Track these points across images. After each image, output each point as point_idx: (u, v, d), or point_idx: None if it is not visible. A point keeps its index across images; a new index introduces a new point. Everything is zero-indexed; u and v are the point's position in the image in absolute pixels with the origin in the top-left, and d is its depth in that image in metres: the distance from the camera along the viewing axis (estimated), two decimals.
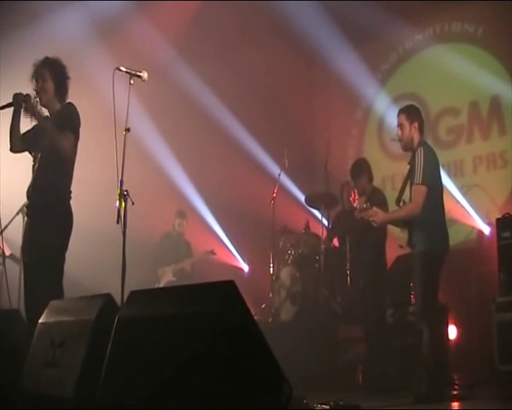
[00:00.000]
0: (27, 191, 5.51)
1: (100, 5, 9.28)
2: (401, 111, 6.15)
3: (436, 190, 5.90)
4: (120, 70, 5.47)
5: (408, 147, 6.07)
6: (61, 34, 8.87)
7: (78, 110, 5.57)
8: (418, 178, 5.77)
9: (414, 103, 6.49)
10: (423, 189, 5.75)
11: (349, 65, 10.58)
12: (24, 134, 5.60)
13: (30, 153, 5.66)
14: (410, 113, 6.10)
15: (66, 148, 5.35)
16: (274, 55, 10.50)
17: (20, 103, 5.39)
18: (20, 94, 5.38)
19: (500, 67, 9.12)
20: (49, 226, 5.28)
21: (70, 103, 5.55)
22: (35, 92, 5.48)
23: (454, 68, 9.37)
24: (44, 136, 5.40)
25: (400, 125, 6.07)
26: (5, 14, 8.49)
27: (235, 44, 10.38)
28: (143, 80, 5.58)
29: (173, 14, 9.92)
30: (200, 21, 10.04)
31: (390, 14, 9.63)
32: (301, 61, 10.87)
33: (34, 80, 5.53)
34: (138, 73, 5.55)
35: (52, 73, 5.52)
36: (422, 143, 6.01)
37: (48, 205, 5.34)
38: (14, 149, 5.61)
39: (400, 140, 6.11)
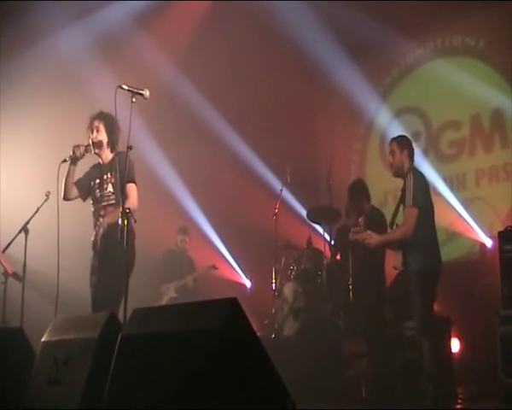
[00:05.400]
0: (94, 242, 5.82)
1: (102, 24, 9.34)
2: (393, 140, 6.47)
3: (427, 211, 6.09)
4: (122, 88, 5.48)
5: (399, 172, 6.32)
6: (64, 53, 8.92)
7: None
8: (409, 200, 5.99)
9: (406, 134, 6.79)
10: (415, 211, 5.96)
11: (351, 80, 10.58)
12: (75, 182, 6.10)
13: (82, 198, 6.14)
14: (401, 142, 6.41)
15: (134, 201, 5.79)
16: (277, 72, 10.51)
17: (79, 156, 5.96)
18: (81, 146, 5.93)
19: (501, 79, 9.11)
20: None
21: (122, 152, 5.87)
22: (90, 142, 6.00)
23: (455, 82, 9.37)
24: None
25: (392, 153, 6.36)
26: (9, 35, 8.54)
27: (237, 61, 10.40)
28: (145, 98, 5.61)
29: (175, 32, 9.98)
30: (202, 38, 10.07)
31: (391, 29, 9.62)
32: (303, 76, 10.88)
33: (90, 131, 6.07)
34: (140, 91, 5.56)
35: (106, 127, 6.05)
36: (412, 168, 6.23)
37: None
38: (66, 198, 6.10)
39: (391, 166, 6.38)
